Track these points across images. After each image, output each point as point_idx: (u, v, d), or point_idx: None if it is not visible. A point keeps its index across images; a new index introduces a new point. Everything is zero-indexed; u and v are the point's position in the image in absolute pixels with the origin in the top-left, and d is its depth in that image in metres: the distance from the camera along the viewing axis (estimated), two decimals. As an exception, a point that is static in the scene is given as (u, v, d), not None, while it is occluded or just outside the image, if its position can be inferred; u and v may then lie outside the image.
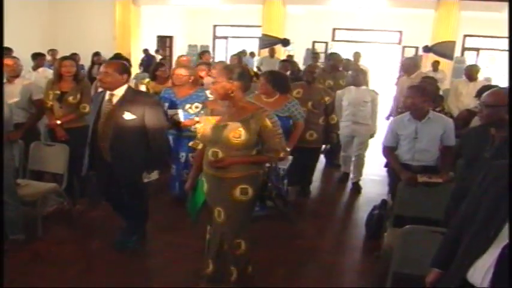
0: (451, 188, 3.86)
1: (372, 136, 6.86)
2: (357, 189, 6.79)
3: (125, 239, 4.47)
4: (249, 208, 3.48)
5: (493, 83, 8.12)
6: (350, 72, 7.79)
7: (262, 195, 3.48)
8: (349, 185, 6.94)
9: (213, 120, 3.40)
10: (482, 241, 2.01)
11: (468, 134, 3.90)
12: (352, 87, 6.75)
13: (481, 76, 8.38)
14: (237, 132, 3.24)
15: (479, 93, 4.67)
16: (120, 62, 4.45)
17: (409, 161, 4.42)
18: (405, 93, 4.56)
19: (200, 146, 3.64)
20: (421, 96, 4.31)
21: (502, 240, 1.94)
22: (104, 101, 4.17)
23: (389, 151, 4.59)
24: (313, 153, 6.10)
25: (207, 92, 5.41)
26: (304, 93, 5.84)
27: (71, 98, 5.29)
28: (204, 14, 19.17)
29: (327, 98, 5.90)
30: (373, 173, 7.13)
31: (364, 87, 6.88)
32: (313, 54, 12.99)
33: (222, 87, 3.31)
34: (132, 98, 4.12)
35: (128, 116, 4.05)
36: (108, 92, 4.16)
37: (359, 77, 6.76)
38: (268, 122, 3.29)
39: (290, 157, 4.77)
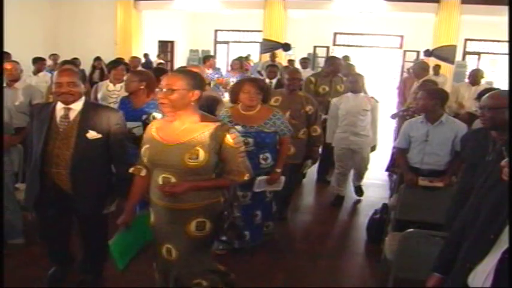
0: (452, 192, 3.85)
1: (373, 149, 6.17)
2: (358, 193, 6.50)
3: (80, 278, 3.82)
4: (207, 244, 2.96)
5: (494, 87, 8.14)
6: (349, 77, 6.70)
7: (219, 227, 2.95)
8: (345, 208, 6.19)
9: (159, 139, 2.83)
10: (483, 245, 1.99)
11: (468, 137, 3.89)
12: (349, 94, 6.01)
13: (482, 80, 8.37)
14: (193, 153, 2.71)
15: (480, 96, 4.65)
16: (78, 70, 4.27)
17: (418, 164, 4.43)
18: (418, 96, 4.62)
19: (143, 173, 2.97)
20: (432, 98, 4.33)
21: (502, 245, 1.92)
22: (54, 117, 3.37)
23: (401, 153, 4.60)
24: (292, 171, 5.10)
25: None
26: (282, 101, 5.13)
27: (70, 102, 5.28)
28: (205, 18, 19.18)
29: (308, 108, 5.12)
30: (375, 177, 7.11)
31: (363, 94, 6.15)
32: (302, 59, 12.42)
33: (180, 97, 2.73)
34: (94, 112, 3.40)
35: (92, 134, 3.34)
36: (60, 106, 3.37)
37: (358, 83, 6.02)
38: (229, 139, 2.79)
39: (282, 178, 4.43)
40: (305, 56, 13.78)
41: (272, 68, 9.00)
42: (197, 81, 2.80)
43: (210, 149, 2.74)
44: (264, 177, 4.29)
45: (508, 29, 6.89)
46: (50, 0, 15.84)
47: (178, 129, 2.80)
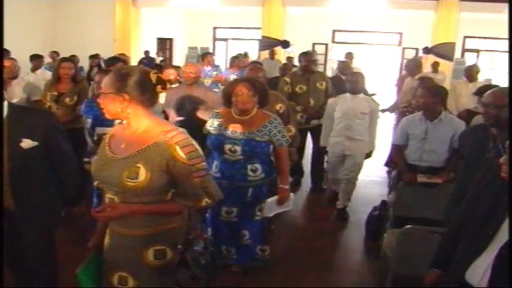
0: (451, 189, 3.85)
1: (368, 156, 5.70)
2: (342, 216, 5.68)
3: None
4: (171, 271, 2.41)
5: (493, 83, 8.12)
6: (348, 76, 6.10)
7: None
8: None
9: (107, 150, 2.37)
10: (481, 240, 1.99)
11: (467, 134, 3.89)
12: (347, 94, 5.49)
13: (481, 77, 8.36)
14: (133, 171, 2.20)
15: (479, 92, 4.65)
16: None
17: (417, 161, 4.43)
18: (418, 93, 4.59)
19: None
20: (433, 96, 4.33)
21: (500, 240, 1.92)
22: None
23: (398, 149, 4.60)
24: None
25: None
26: None
27: (67, 100, 5.30)
28: (204, 16, 19.15)
29: (279, 106, 4.71)
30: (374, 174, 7.11)
31: (362, 95, 5.57)
32: (287, 58, 12.20)
33: (107, 101, 2.27)
34: (24, 116, 2.87)
35: (27, 143, 2.79)
36: None
37: (357, 83, 5.50)
38: (180, 153, 2.21)
39: (292, 195, 4.03)
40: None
41: (255, 64, 8.80)
42: (128, 81, 2.22)
43: (154, 166, 2.21)
44: (273, 198, 3.87)
45: (508, 27, 6.89)
46: (49, -2, 15.83)
47: (127, 140, 2.33)
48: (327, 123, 5.69)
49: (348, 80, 5.67)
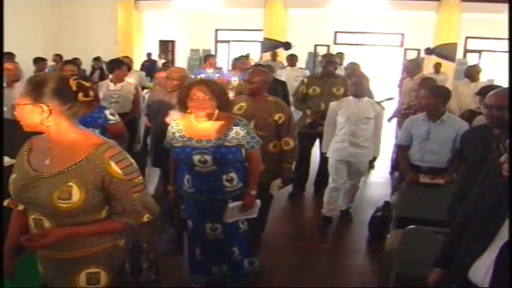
0: (453, 189, 3.85)
1: (372, 162, 5.51)
2: (346, 218, 5.56)
3: None
4: None
5: (495, 84, 8.12)
6: (352, 79, 5.68)
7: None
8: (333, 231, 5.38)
9: (28, 167, 2.09)
10: (483, 239, 2.00)
11: (469, 135, 3.89)
12: (351, 98, 5.16)
13: (483, 78, 8.35)
14: (64, 191, 1.97)
15: (481, 93, 4.65)
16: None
17: (419, 161, 4.44)
18: (420, 94, 4.59)
19: (21, 207, 2.24)
20: (435, 97, 4.33)
21: (501, 239, 1.93)
22: None
23: (402, 150, 4.60)
24: (259, 191, 3.75)
25: (107, 112, 4.15)
26: (247, 108, 4.25)
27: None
28: (206, 18, 19.17)
29: (277, 116, 4.22)
30: (377, 175, 7.12)
31: (367, 98, 5.22)
32: (289, 56, 11.41)
33: (24, 114, 1.99)
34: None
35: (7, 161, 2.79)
36: None
37: (361, 85, 5.16)
38: (115, 169, 2.02)
39: (258, 202, 3.64)
40: (305, 55, 13.68)
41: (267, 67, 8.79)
42: (44, 90, 1.95)
43: (88, 184, 2.00)
44: (236, 203, 3.49)
45: (508, 27, 6.89)
46: (51, 1, 15.86)
47: (51, 155, 2.07)
48: (328, 128, 5.33)
49: (351, 83, 5.33)
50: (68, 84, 2.00)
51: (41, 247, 2.01)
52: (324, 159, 5.78)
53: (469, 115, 5.68)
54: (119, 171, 2.03)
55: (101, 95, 5.99)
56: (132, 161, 2.10)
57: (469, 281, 2.03)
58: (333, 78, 6.16)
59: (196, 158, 3.31)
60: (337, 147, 5.18)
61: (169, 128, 3.53)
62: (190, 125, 3.43)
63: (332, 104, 5.31)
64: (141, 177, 2.13)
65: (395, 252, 3.43)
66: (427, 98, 4.38)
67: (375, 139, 5.25)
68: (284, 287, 4.09)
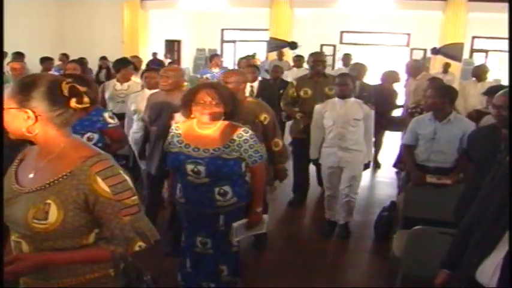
0: (459, 190, 3.84)
1: (366, 167, 5.08)
2: (343, 234, 5.10)
3: None
4: None
5: (502, 84, 8.08)
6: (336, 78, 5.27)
7: None
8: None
9: (13, 180, 1.85)
10: (491, 240, 1.99)
11: (476, 135, 3.87)
12: (336, 99, 4.88)
13: (490, 77, 8.31)
14: (41, 209, 1.71)
15: (488, 92, 4.64)
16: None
17: (425, 161, 4.43)
18: (427, 94, 4.59)
19: None
20: (441, 96, 4.32)
21: (509, 240, 1.92)
22: None
23: (408, 150, 4.59)
24: None
25: (106, 115, 3.85)
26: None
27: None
28: (212, 17, 19.21)
29: (263, 116, 4.08)
30: (383, 175, 7.11)
31: (353, 99, 4.90)
32: (295, 57, 11.50)
33: (12, 120, 1.74)
34: None
35: None
36: None
37: (347, 86, 4.81)
38: (102, 186, 1.72)
39: (265, 217, 3.44)
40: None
41: (276, 68, 8.68)
42: (33, 93, 1.71)
43: (69, 203, 1.72)
44: (241, 222, 3.25)
45: (508, 26, 6.86)
46: (57, 1, 15.93)
47: (37, 168, 1.83)
48: (315, 132, 5.03)
49: (336, 82, 4.95)
50: (60, 88, 1.76)
51: (14, 274, 1.70)
52: (316, 165, 5.54)
53: (476, 115, 5.66)
54: (106, 189, 1.72)
55: (107, 94, 6.02)
56: (126, 177, 1.80)
57: (476, 282, 2.02)
58: (323, 77, 5.82)
59: (189, 167, 3.08)
60: (328, 153, 4.93)
61: (170, 131, 3.33)
62: (191, 131, 3.19)
63: (317, 107, 5.01)
64: (135, 198, 1.81)
65: (402, 252, 3.42)
66: (433, 97, 4.38)
67: (367, 142, 4.95)
68: (289, 287, 4.09)
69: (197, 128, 3.17)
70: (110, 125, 3.84)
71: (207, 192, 3.11)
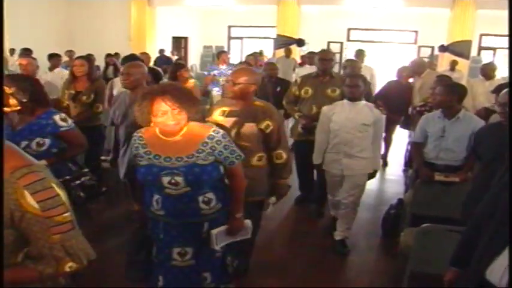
0: (467, 187, 3.83)
1: (372, 176, 4.62)
2: (340, 249, 4.65)
3: None
4: None
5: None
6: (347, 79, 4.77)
7: None
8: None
9: None
10: (501, 239, 1.98)
11: (484, 132, 3.87)
12: (345, 101, 4.47)
13: (498, 75, 8.28)
14: None
15: (497, 90, 4.62)
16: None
17: (434, 159, 4.43)
18: (436, 91, 4.59)
19: None
20: (450, 94, 4.31)
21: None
22: None
23: (417, 147, 4.58)
24: (248, 211, 3.21)
25: (57, 118, 3.38)
26: (229, 114, 3.59)
27: (84, 98, 5.36)
28: (219, 14, 19.22)
29: (265, 124, 3.54)
30: (390, 173, 7.10)
31: (363, 102, 4.46)
32: (308, 53, 11.26)
33: None
34: None
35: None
36: None
37: (357, 88, 4.37)
38: (29, 201, 1.52)
39: (248, 222, 3.13)
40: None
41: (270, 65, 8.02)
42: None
43: None
44: (220, 228, 2.94)
45: (508, 24, 6.81)
46: (65, -3, 16.01)
47: None
48: (320, 136, 4.60)
49: (346, 84, 4.51)
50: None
51: None
52: (319, 170, 5.00)
53: (485, 113, 5.65)
54: (34, 204, 1.52)
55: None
56: (59, 191, 1.60)
57: (486, 280, 2.01)
58: (330, 77, 5.36)
59: (165, 179, 2.73)
60: (332, 159, 4.54)
61: (132, 141, 2.92)
62: (156, 139, 2.80)
63: (324, 109, 4.59)
64: (67, 215, 1.61)
65: (410, 250, 3.41)
66: (441, 95, 4.37)
67: (375, 149, 4.54)
68: (295, 284, 4.08)
69: (162, 135, 2.79)
70: (62, 128, 3.42)
71: (190, 202, 2.82)
